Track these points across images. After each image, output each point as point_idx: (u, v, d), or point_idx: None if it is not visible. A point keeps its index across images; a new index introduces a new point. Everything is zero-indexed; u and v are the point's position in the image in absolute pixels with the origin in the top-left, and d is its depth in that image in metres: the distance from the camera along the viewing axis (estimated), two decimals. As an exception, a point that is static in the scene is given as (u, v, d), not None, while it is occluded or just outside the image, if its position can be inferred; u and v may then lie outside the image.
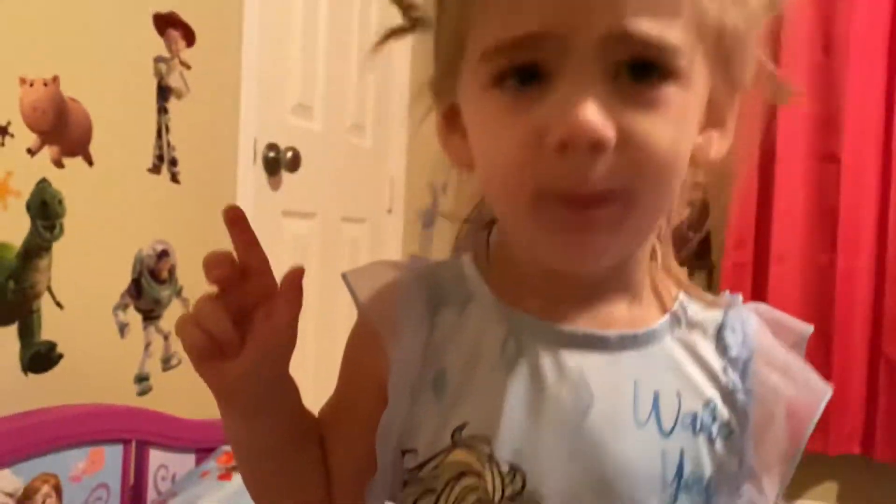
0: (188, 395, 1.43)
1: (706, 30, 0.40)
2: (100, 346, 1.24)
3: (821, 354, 2.11)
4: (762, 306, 0.51)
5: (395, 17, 1.97)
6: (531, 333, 0.46)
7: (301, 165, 1.66)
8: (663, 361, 0.46)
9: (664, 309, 0.48)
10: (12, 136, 1.06)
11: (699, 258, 2.30)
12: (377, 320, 0.48)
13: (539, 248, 0.42)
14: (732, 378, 0.47)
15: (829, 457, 2.13)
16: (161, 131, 1.34)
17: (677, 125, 0.39)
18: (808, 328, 0.51)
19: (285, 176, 1.67)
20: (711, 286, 2.29)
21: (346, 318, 1.97)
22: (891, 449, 2.06)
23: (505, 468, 0.43)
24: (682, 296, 0.49)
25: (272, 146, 1.62)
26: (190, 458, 1.23)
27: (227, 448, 1.25)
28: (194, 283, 1.44)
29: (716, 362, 0.47)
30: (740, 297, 0.50)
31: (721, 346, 0.48)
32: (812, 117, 2.15)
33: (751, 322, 0.49)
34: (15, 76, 1.07)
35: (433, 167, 2.66)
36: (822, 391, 0.49)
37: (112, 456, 1.07)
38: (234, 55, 1.51)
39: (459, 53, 0.43)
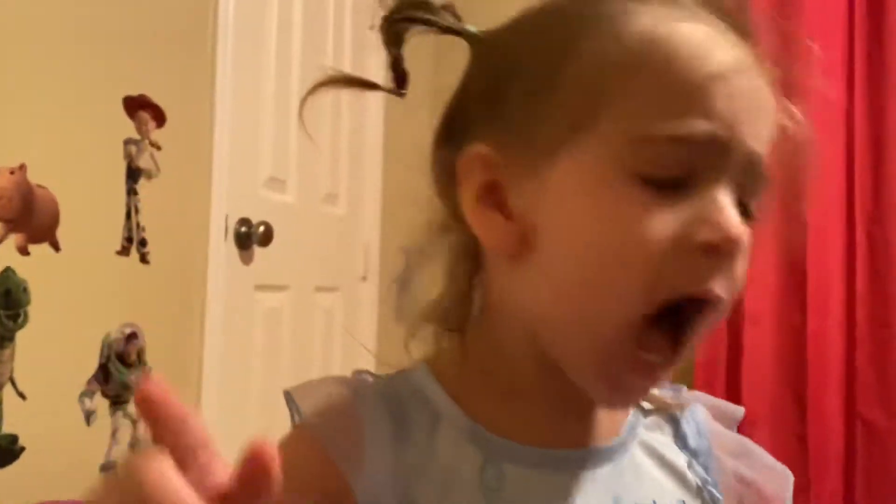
0: (156, 481, 1.39)
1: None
2: (64, 436, 1.21)
3: (797, 417, 2.12)
4: (699, 394, 0.52)
5: (367, 92, 1.96)
6: (511, 458, 0.43)
7: (273, 238, 1.66)
8: (635, 472, 0.46)
9: (626, 412, 0.47)
10: (-24, 226, 1.05)
11: (673, 319, 2.31)
12: (334, 448, 0.42)
13: (601, 376, 0.40)
14: (699, 473, 0.47)
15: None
16: (130, 213, 1.34)
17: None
18: (740, 410, 0.52)
19: (257, 250, 1.66)
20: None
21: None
22: None
23: None
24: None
25: (244, 221, 1.61)
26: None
27: None
28: (163, 365, 1.41)
29: (680, 460, 0.47)
30: (684, 388, 0.50)
31: (680, 441, 0.48)
32: (775, 179, 2.19)
33: (698, 411, 0.49)
34: (-20, 166, 1.06)
35: (408, 230, 2.67)
36: (784, 473, 0.50)
37: (74, 556, 1.03)
38: (206, 133, 1.52)
39: (576, 130, 0.39)
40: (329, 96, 1.84)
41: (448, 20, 0.45)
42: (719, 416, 0.51)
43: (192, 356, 1.49)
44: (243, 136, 1.63)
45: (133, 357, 1.34)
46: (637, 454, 0.46)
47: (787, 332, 2.15)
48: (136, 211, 1.35)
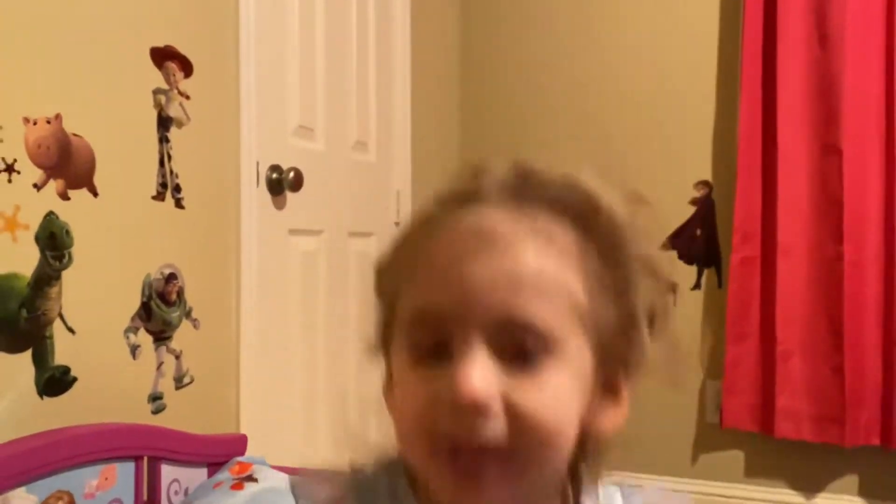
0: (201, 412, 1.48)
1: (587, 319, 0.47)
2: (112, 369, 1.30)
3: (833, 348, 2.11)
4: (653, 492, 0.57)
5: (393, 36, 2.03)
6: None
7: (304, 184, 1.71)
8: None
9: None
10: (18, 172, 1.13)
11: (707, 255, 2.31)
12: None
13: (439, 493, 0.47)
14: None
15: (846, 449, 2.12)
16: (163, 160, 1.41)
17: (555, 396, 0.45)
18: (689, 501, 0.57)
19: (289, 195, 1.72)
20: (721, 282, 2.30)
21: (355, 329, 2.02)
22: (909, 438, 2.04)
23: None
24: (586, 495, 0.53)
25: (275, 167, 1.67)
26: (202, 472, 1.28)
27: (240, 459, 1.30)
28: (202, 304, 1.49)
29: None
30: (635, 492, 0.55)
31: None
32: (812, 110, 2.15)
33: None
34: (19, 116, 1.14)
35: (439, 177, 2.71)
36: None
37: (124, 472, 1.12)
38: (233, 82, 1.57)
39: (390, 328, 0.49)
40: (354, 44, 1.88)
41: None
42: None
43: (230, 296, 1.57)
44: (270, 86, 1.68)
45: (174, 296, 1.42)
46: None
47: (822, 263, 2.13)
48: (169, 158, 1.42)
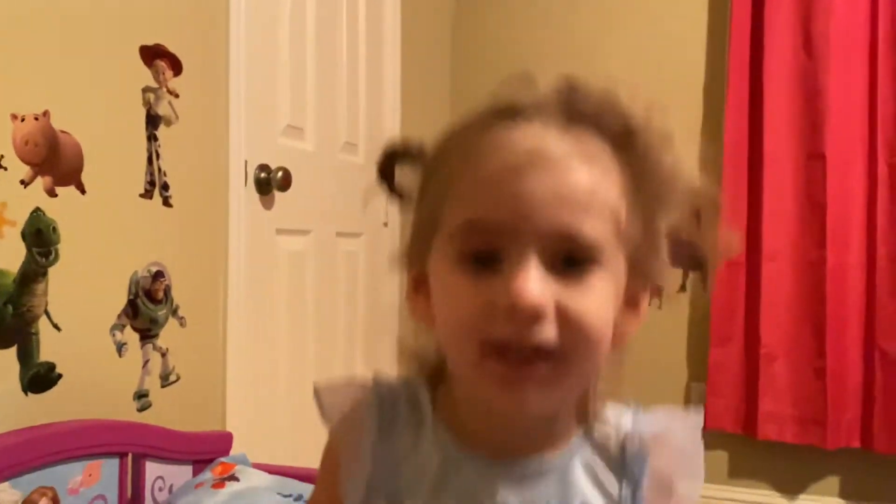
0: (186, 410, 1.48)
1: (623, 235, 0.51)
2: (98, 366, 1.30)
3: (815, 351, 2.13)
4: (660, 413, 0.58)
5: (383, 37, 2.04)
6: (468, 464, 0.54)
7: (293, 184, 1.72)
8: (571, 487, 0.54)
9: (579, 426, 0.56)
10: (5, 168, 1.13)
11: (693, 259, 2.32)
12: (341, 444, 0.58)
13: (482, 395, 0.51)
14: (625, 496, 0.55)
15: (828, 451, 2.14)
16: (151, 158, 1.41)
17: (600, 302, 0.49)
18: (698, 421, 0.58)
19: (277, 195, 1.72)
20: (706, 287, 2.31)
21: (343, 329, 2.02)
22: (890, 440, 2.07)
23: None
24: (595, 412, 0.57)
25: (263, 167, 1.68)
26: (187, 470, 1.28)
27: (224, 459, 1.31)
28: (189, 303, 1.50)
29: (612, 485, 0.55)
30: (641, 410, 0.58)
31: (617, 467, 0.55)
32: (797, 117, 2.18)
33: (646, 434, 0.56)
34: (7, 112, 1.14)
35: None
36: (698, 477, 0.57)
37: (109, 469, 1.13)
38: (222, 82, 1.58)
39: (433, 232, 0.52)
40: (344, 45, 1.88)
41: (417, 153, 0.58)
42: (674, 436, 0.57)
43: (217, 295, 1.58)
44: (259, 85, 1.68)
45: (160, 294, 1.43)
46: (576, 470, 0.55)
47: (806, 268, 2.16)
48: (158, 156, 1.42)
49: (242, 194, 1.62)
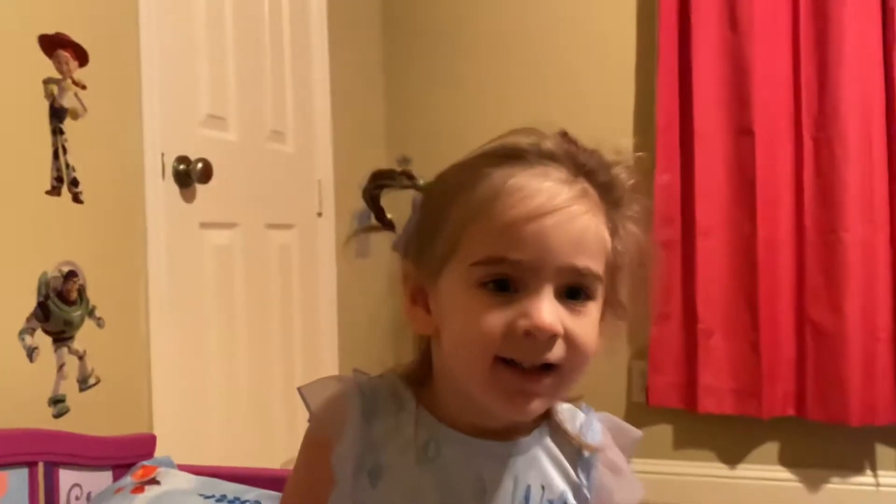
0: (109, 414, 1.43)
1: (609, 268, 0.61)
2: (7, 372, 1.24)
3: (750, 325, 2.17)
4: (605, 415, 0.70)
5: (310, 19, 1.98)
6: (447, 440, 0.63)
7: (216, 176, 1.67)
8: (535, 464, 0.65)
9: (542, 416, 0.66)
10: None
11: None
12: (328, 426, 0.65)
13: (488, 399, 0.59)
14: (581, 477, 0.66)
15: (765, 421, 2.19)
16: (58, 152, 1.34)
17: (593, 327, 0.60)
18: (638, 433, 0.70)
19: (199, 188, 1.67)
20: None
21: (279, 324, 1.98)
22: (822, 408, 2.12)
23: None
24: (557, 410, 0.67)
25: (182, 159, 1.62)
26: (107, 476, 1.23)
27: (146, 463, 1.26)
28: (107, 302, 1.44)
29: (570, 466, 0.66)
30: (592, 411, 0.69)
31: (574, 457, 0.66)
32: (725, 93, 2.20)
33: (597, 430, 0.68)
34: None
35: (366, 165, 2.67)
36: (637, 490, 0.68)
37: (17, 480, 1.07)
38: (133, 71, 1.51)
39: (448, 257, 0.60)
40: (267, 28, 1.82)
41: (404, 182, 0.69)
42: (619, 435, 0.69)
43: (138, 293, 1.52)
44: (175, 74, 1.62)
45: (74, 295, 1.36)
46: (539, 453, 0.65)
47: (739, 243, 2.19)
48: (65, 151, 1.35)
49: (160, 188, 1.56)
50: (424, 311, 0.63)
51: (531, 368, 0.57)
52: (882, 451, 2.22)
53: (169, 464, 1.24)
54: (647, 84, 2.36)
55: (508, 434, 0.64)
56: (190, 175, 1.62)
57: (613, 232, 0.61)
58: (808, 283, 2.12)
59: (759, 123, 2.15)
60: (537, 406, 0.59)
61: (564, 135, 0.62)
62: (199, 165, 1.62)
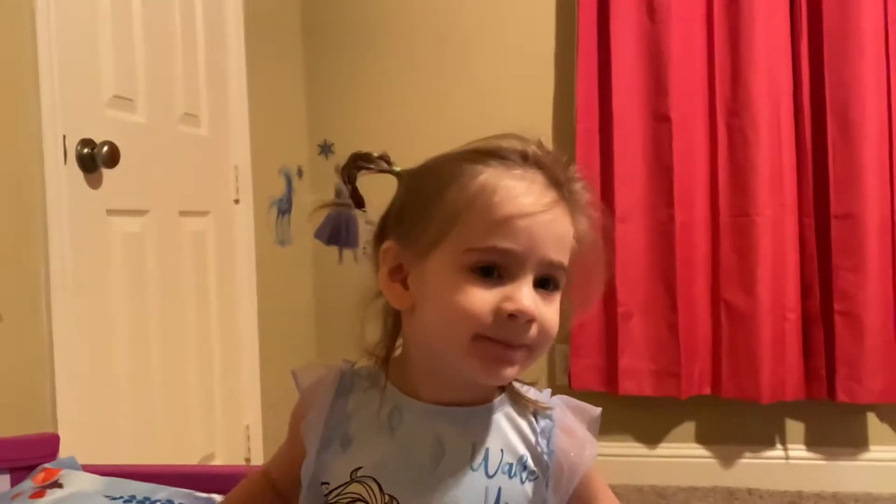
0: (8, 414, 1.34)
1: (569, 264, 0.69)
2: None
3: (668, 307, 2.22)
4: (563, 396, 0.76)
5: (224, 3, 1.88)
6: (409, 409, 0.70)
7: (123, 160, 1.58)
8: (494, 429, 0.71)
9: (501, 390, 0.73)
10: None
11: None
12: (307, 401, 0.74)
13: (468, 364, 0.65)
14: (541, 443, 0.71)
15: (682, 400, 2.25)
16: (-57, 134, 1.24)
17: (556, 314, 0.67)
18: (597, 410, 0.75)
19: (105, 173, 1.58)
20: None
21: (194, 315, 1.90)
22: (736, 386, 2.19)
23: (387, 498, 0.68)
24: (515, 382, 0.74)
25: (86, 142, 1.53)
26: (4, 480, 1.15)
27: (48, 465, 1.18)
28: (3, 295, 1.35)
29: (529, 433, 0.72)
30: (549, 391, 0.75)
31: (532, 425, 0.72)
32: (643, 80, 2.23)
33: (554, 402, 0.74)
34: None
35: (288, 151, 2.60)
36: (593, 448, 0.74)
37: None
38: (29, 50, 1.41)
39: (440, 240, 0.66)
40: (178, 10, 1.73)
41: (383, 165, 0.73)
42: (578, 412, 0.74)
43: (38, 285, 1.42)
44: (77, 53, 1.53)
45: (-35, 288, 1.27)
46: (499, 419, 0.71)
47: (656, 227, 2.23)
48: (-49, 132, 1.25)
49: (62, 172, 1.47)
50: (402, 286, 0.69)
51: (511, 347, 0.65)
52: (791, 425, 2.32)
53: (73, 465, 1.16)
54: (566, 71, 2.38)
55: (469, 400, 0.70)
56: (95, 159, 1.53)
57: (575, 234, 0.69)
58: (723, 265, 2.19)
59: (676, 110, 2.19)
60: (511, 373, 0.66)
61: (541, 145, 0.69)
62: (105, 148, 1.53)
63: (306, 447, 0.71)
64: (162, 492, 1.06)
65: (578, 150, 2.25)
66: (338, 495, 0.69)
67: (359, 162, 0.73)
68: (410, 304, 0.68)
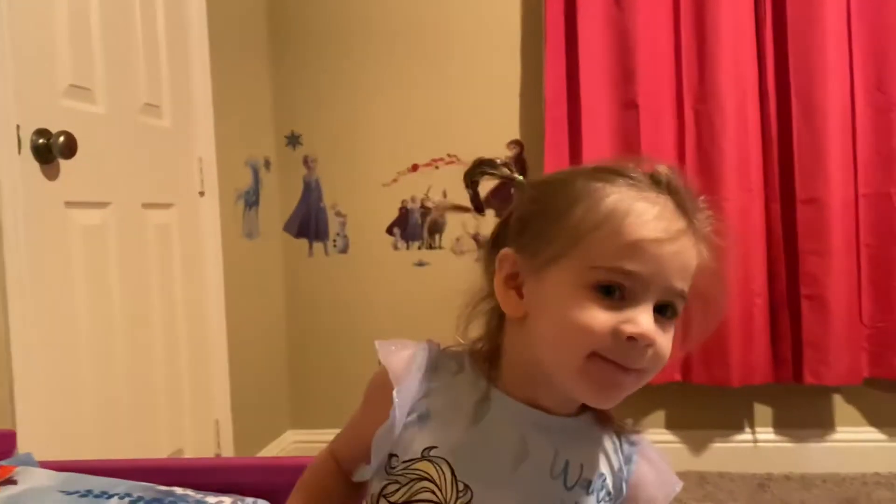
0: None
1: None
2: None
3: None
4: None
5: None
6: (500, 403, 0.69)
7: (81, 151, 1.54)
8: (580, 444, 0.71)
9: (589, 409, 0.72)
10: None
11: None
12: (393, 375, 0.71)
13: (578, 385, 0.65)
14: (623, 468, 0.72)
15: (654, 387, 2.25)
16: None
17: (671, 342, 0.66)
18: (679, 484, 0.77)
19: (63, 164, 1.54)
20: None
21: (159, 309, 1.87)
22: (704, 372, 2.21)
23: (461, 485, 0.67)
24: None
25: (42, 132, 1.49)
26: (-42, 479, 1.12)
27: (3, 462, 1.15)
28: (-44, 289, 1.31)
29: (613, 455, 0.72)
30: (630, 420, 0.76)
31: (617, 450, 0.73)
32: (610, 68, 2.23)
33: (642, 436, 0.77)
34: None
35: (252, 145, 2.56)
36: (673, 485, 0.76)
37: None
38: (-22, 34, 1.37)
39: (564, 254, 0.65)
40: (138, 4, 1.67)
41: (505, 172, 0.73)
42: (659, 450, 0.77)
43: (-7, 279, 1.39)
44: (32, 40, 1.49)
45: (-85, 282, 1.23)
46: (587, 435, 0.72)
47: (625, 214, 2.23)
48: None
49: (16, 163, 1.43)
50: (517, 294, 0.69)
51: (623, 369, 0.64)
52: (759, 409, 2.34)
53: (29, 461, 1.14)
54: (534, 60, 2.37)
55: (559, 411, 0.70)
56: (51, 149, 1.49)
57: (699, 264, 0.68)
58: (691, 252, 2.20)
59: (644, 97, 2.20)
60: (617, 397, 0.65)
61: (672, 170, 0.69)
62: (62, 139, 1.49)
63: (397, 415, 0.70)
64: (120, 486, 1.04)
65: (547, 139, 2.25)
66: (405, 469, 0.68)
67: (483, 167, 0.73)
68: (523, 312, 0.68)
